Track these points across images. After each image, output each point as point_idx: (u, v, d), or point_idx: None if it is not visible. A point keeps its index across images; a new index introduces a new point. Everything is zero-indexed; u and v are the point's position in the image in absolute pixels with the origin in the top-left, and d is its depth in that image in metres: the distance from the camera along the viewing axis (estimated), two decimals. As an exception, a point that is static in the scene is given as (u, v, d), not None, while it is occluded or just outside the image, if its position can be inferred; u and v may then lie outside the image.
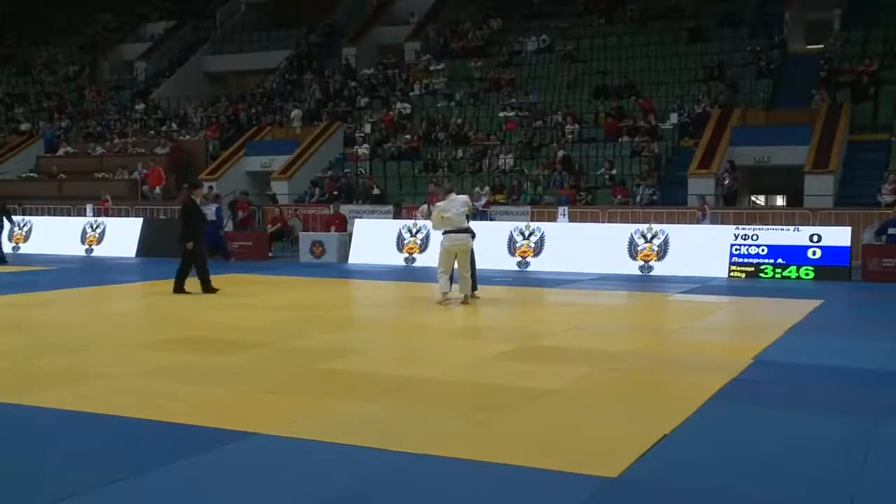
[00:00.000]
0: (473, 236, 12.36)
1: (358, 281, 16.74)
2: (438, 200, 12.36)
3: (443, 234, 12.03)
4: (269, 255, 21.20)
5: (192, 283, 13.26)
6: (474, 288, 12.50)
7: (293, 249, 21.75)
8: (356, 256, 19.83)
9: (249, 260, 20.33)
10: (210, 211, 19.34)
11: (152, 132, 32.39)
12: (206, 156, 30.61)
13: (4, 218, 19.63)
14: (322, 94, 32.54)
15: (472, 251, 12.42)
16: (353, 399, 6.37)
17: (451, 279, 12.16)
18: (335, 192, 25.37)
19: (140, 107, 34.83)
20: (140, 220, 22.83)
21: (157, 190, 28.10)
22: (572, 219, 19.59)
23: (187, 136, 31.82)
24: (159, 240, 21.25)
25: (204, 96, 35.69)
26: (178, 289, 13.18)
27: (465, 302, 11.94)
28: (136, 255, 21.44)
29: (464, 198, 12.12)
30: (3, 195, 19.05)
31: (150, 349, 8.42)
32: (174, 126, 32.86)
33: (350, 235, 20.38)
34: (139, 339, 9.16)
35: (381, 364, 7.90)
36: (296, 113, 30.83)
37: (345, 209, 22.70)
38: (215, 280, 13.62)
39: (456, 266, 12.11)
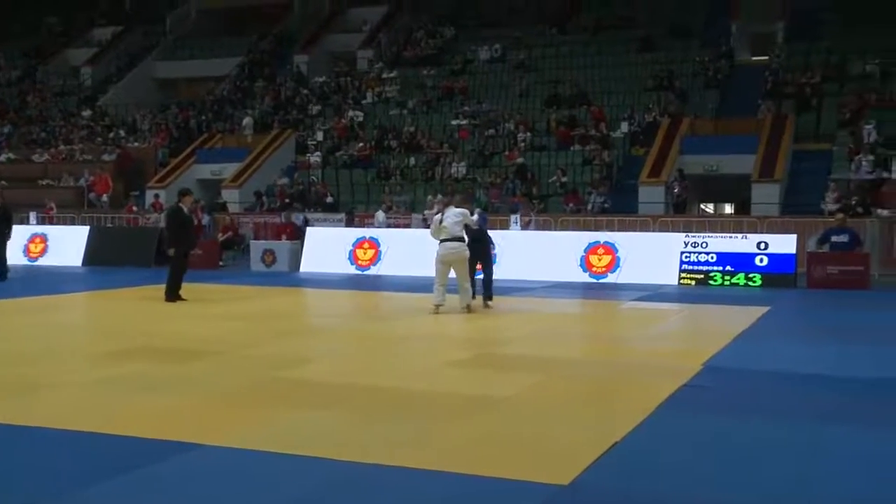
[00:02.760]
0: (492, 244, 12.45)
1: (311, 290, 16.62)
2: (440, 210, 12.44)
3: (439, 243, 12.03)
4: (220, 263, 20.97)
5: (191, 290, 13.06)
6: (489, 297, 12.52)
7: (244, 258, 21.53)
8: (308, 265, 19.70)
9: (200, 269, 20.05)
10: (204, 219, 19.25)
11: (99, 139, 31.87)
12: (155, 163, 30.19)
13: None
14: (274, 102, 32.33)
15: (490, 254, 12.53)
16: (305, 408, 6.32)
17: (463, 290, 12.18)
18: (287, 200, 25.20)
19: (87, 113, 34.23)
20: (87, 229, 22.39)
21: (105, 197, 27.63)
22: (524, 227, 19.69)
23: (136, 143, 31.38)
24: (107, 248, 20.89)
25: (153, 103, 35.23)
26: (173, 297, 13.10)
27: (462, 311, 11.84)
28: (83, 264, 21.03)
29: (461, 210, 12.11)
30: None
31: (99, 360, 8.26)
32: (122, 133, 32.37)
33: (302, 244, 20.25)
34: (88, 349, 8.98)
35: (334, 373, 7.84)
36: (247, 121, 30.58)
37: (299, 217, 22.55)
38: (158, 289, 13.47)
39: (454, 275, 12.10)
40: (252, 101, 33.07)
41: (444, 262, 11.94)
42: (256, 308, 13.04)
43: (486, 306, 12.45)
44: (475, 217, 12.41)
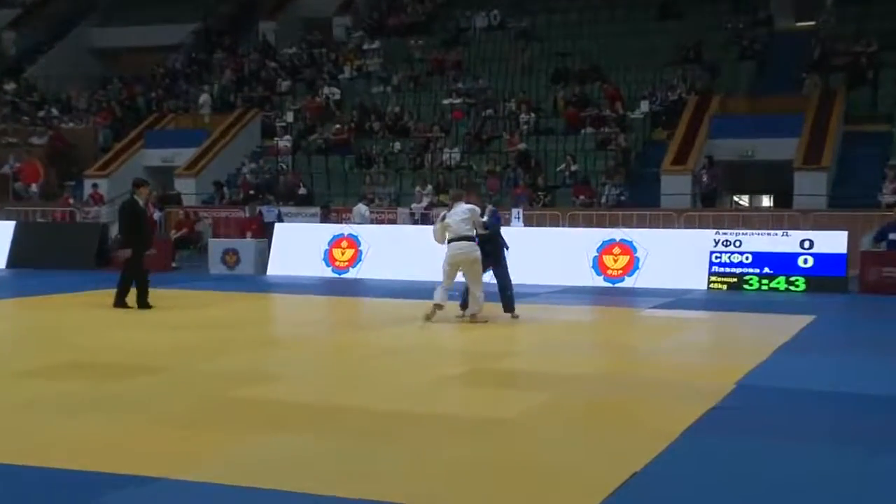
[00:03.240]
0: (506, 247, 12.49)
1: (279, 295, 16.59)
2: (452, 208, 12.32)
3: (447, 244, 12.07)
4: (173, 265, 20.93)
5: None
6: (510, 308, 12.43)
7: (201, 259, 21.49)
8: (277, 267, 19.68)
9: (150, 271, 19.98)
10: (155, 214, 19.21)
11: (26, 118, 31.68)
12: (95, 148, 30.10)
13: None
14: (235, 77, 32.29)
15: (502, 257, 12.54)
16: (270, 433, 6.30)
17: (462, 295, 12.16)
18: (252, 192, 25.19)
19: (10, 87, 33.92)
20: (12, 224, 22.28)
21: (34, 187, 27.57)
22: (528, 222, 19.71)
23: (71, 124, 31.26)
24: (37, 247, 20.79)
25: (92, 77, 35.08)
26: (120, 303, 13.15)
27: (472, 321, 11.83)
28: (8, 266, 20.92)
29: (469, 206, 12.12)
30: None
31: (22, 378, 8.21)
32: (54, 111, 32.22)
33: (269, 242, 20.23)
34: (14, 365, 8.94)
35: (305, 391, 7.83)
36: (204, 98, 30.53)
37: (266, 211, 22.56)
38: (102, 295, 13.46)
39: (463, 279, 12.12)
40: (210, 76, 33.02)
41: (451, 264, 12.02)
42: (215, 316, 13.00)
43: (514, 316, 12.35)
44: (485, 218, 12.36)
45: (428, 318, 11.93)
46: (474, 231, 12.06)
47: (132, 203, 13.64)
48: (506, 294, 12.53)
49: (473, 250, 11.95)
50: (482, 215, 12.30)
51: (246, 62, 33.16)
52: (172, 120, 30.56)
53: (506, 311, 12.43)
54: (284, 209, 23.71)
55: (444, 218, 12.13)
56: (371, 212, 22.42)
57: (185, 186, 26.88)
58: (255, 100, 30.78)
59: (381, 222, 21.84)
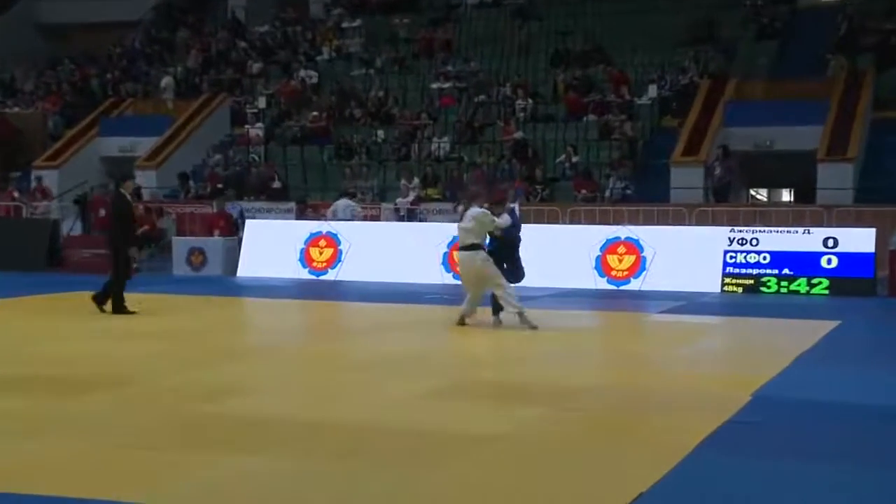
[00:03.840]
0: (516, 245, 12.58)
1: (250, 300, 16.58)
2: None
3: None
4: (133, 266, 20.88)
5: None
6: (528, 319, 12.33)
7: (164, 258, 21.47)
8: (248, 268, 19.66)
9: (107, 273, 19.94)
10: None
11: (-36, 101, 31.59)
12: (43, 135, 29.97)
13: None
14: (202, 58, 32.24)
15: (517, 261, 12.60)
16: (237, 452, 6.31)
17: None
18: (220, 185, 25.16)
19: (-55, 67, 33.89)
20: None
21: (-28, 179, 27.44)
22: (525, 219, 19.70)
23: (16, 109, 31.15)
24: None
25: (38, 56, 34.94)
26: (122, 307, 13.29)
27: (522, 323, 12.01)
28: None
29: (480, 211, 12.23)
30: None
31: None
32: (-4, 95, 32.14)
33: (240, 241, 20.22)
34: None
35: (278, 406, 7.84)
36: (167, 81, 30.48)
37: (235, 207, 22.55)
38: (54, 299, 13.45)
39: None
40: (173, 57, 32.96)
41: (463, 279, 12.51)
42: (178, 323, 12.98)
43: (532, 327, 12.21)
44: (503, 219, 12.34)
45: (461, 322, 12.26)
46: (479, 238, 12.17)
47: (121, 197, 13.79)
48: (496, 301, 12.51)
49: (471, 261, 12.15)
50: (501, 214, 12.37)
51: (213, 42, 33.11)
52: (131, 105, 30.48)
53: (494, 313, 12.50)
54: (257, 204, 23.69)
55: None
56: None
57: (147, 179, 26.77)
58: (223, 83, 30.72)
59: (364, 219, 21.84)
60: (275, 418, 7.34)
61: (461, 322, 12.25)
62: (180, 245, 20.72)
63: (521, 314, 12.02)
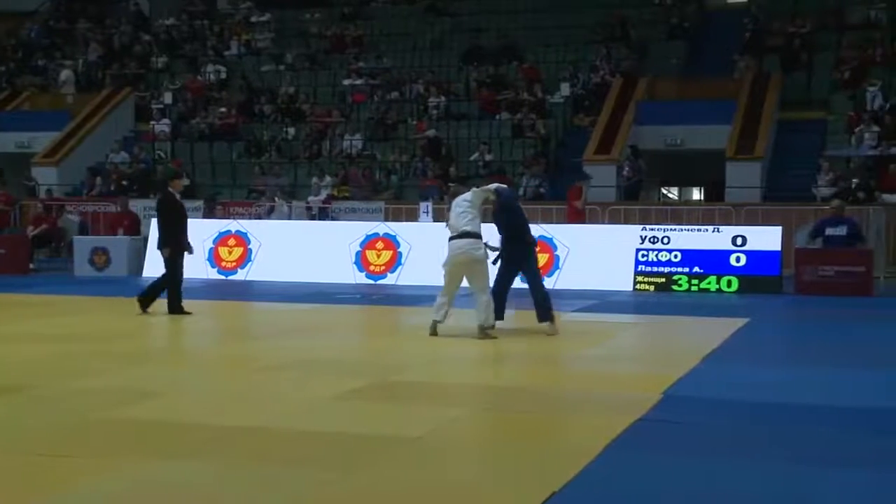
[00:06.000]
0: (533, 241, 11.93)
1: (157, 300, 16.37)
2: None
3: (447, 243, 11.47)
4: (31, 266, 20.52)
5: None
6: (550, 315, 11.77)
7: (65, 259, 21.10)
8: (154, 268, 19.39)
9: (2, 273, 19.59)
10: None
11: None
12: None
13: None
14: (103, 51, 31.70)
15: (534, 256, 11.98)
16: (147, 458, 6.25)
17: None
18: (124, 183, 24.80)
19: None
20: None
21: None
22: (438, 217, 19.81)
23: None
24: None
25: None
26: (176, 308, 13.40)
27: (481, 336, 11.22)
28: None
29: (468, 193, 11.51)
30: None
31: None
32: None
33: (145, 240, 19.96)
34: None
35: (189, 410, 7.78)
36: (66, 75, 29.96)
37: (138, 205, 22.24)
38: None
39: (468, 285, 11.49)
40: (73, 50, 32.36)
41: (449, 267, 11.32)
42: (82, 325, 12.79)
43: (552, 331, 11.74)
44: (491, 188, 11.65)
45: (432, 333, 11.47)
46: (476, 226, 11.31)
47: (169, 197, 13.88)
48: (543, 305, 11.82)
49: (475, 249, 11.20)
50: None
51: (116, 34, 32.58)
52: (28, 99, 29.95)
53: (541, 321, 11.81)
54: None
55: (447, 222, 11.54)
56: (259, 205, 22.33)
57: (46, 176, 26.30)
58: (127, 78, 30.30)
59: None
60: (186, 423, 7.28)
61: (434, 332, 11.47)
62: (82, 245, 20.41)
63: (483, 328, 11.32)
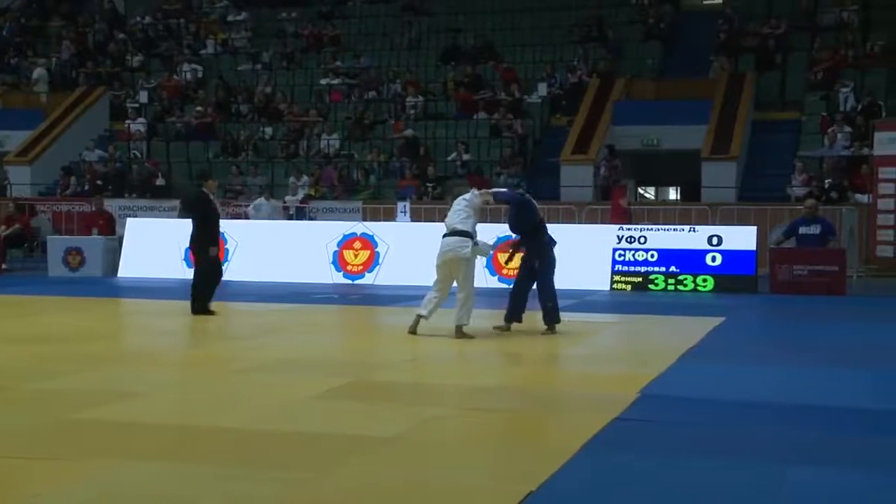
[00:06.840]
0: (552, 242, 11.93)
1: (132, 301, 16.31)
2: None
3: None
4: (4, 267, 20.41)
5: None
6: (555, 320, 11.82)
7: (39, 259, 20.99)
8: (129, 268, 19.32)
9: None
10: None
11: None
12: None
13: None
14: (77, 49, 31.52)
15: (548, 254, 11.97)
16: (120, 459, 6.20)
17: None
18: (99, 182, 24.68)
19: None
20: None
21: None
22: (416, 217, 19.82)
23: None
24: None
25: None
26: (202, 308, 13.40)
27: (458, 336, 11.26)
28: None
29: (469, 193, 11.58)
30: None
31: None
32: None
33: (120, 240, 19.87)
34: None
35: (163, 411, 7.75)
36: (39, 73, 29.80)
37: (114, 204, 22.16)
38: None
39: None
40: (46, 48, 32.17)
41: (438, 265, 11.37)
42: (55, 326, 12.71)
43: (549, 331, 11.82)
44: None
45: (412, 331, 11.44)
46: (469, 225, 11.34)
47: (203, 196, 13.86)
48: (547, 305, 11.83)
49: (461, 248, 11.24)
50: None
51: (90, 32, 32.40)
52: (0, 97, 29.69)
53: (546, 323, 11.87)
54: (139, 202, 23.32)
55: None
56: (237, 205, 22.25)
57: (19, 175, 26.13)
58: (101, 77, 30.16)
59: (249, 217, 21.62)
60: (160, 424, 7.24)
61: (413, 331, 11.44)
62: (56, 244, 20.27)
63: (460, 329, 11.37)
